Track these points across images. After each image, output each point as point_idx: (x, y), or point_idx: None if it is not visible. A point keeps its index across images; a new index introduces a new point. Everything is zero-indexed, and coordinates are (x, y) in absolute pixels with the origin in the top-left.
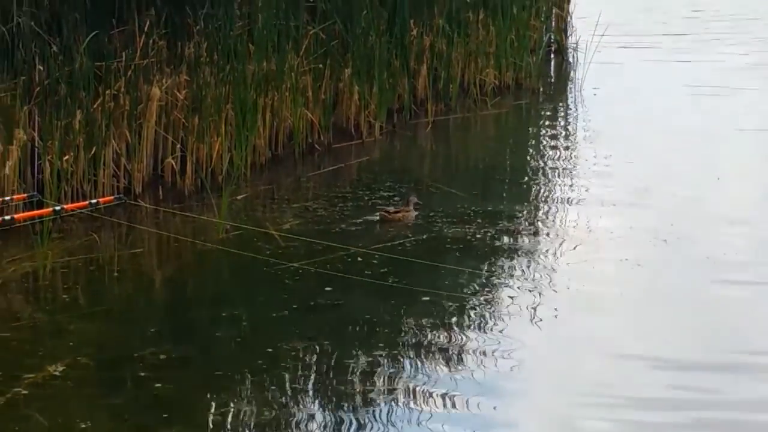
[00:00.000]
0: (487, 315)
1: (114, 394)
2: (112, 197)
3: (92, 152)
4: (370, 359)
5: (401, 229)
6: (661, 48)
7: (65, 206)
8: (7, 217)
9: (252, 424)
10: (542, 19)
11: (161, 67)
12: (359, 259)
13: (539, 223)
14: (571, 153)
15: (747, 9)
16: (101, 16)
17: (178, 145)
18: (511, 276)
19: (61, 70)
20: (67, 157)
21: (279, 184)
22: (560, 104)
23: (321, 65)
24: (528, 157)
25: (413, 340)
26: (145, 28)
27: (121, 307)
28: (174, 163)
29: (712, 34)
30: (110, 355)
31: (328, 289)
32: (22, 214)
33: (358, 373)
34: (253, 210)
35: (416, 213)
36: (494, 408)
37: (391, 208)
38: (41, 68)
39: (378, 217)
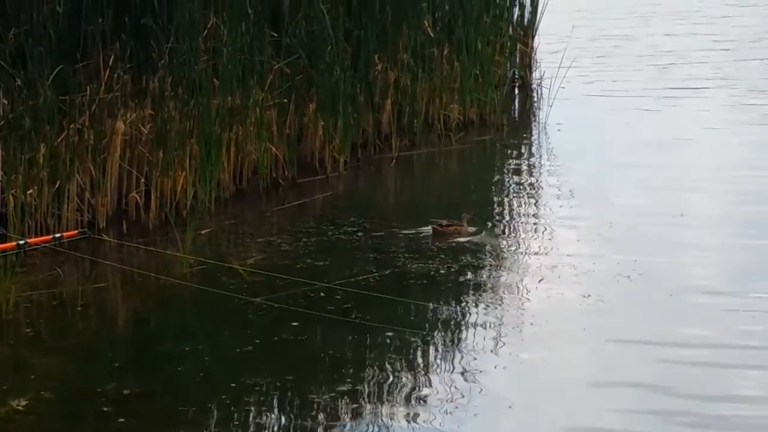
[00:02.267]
0: (451, 351)
1: (77, 429)
2: (76, 231)
3: (56, 186)
4: (333, 395)
5: (366, 264)
6: (629, 82)
7: (29, 240)
8: None
9: None
10: (507, 54)
11: (126, 101)
12: (323, 294)
13: (503, 258)
14: (535, 189)
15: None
16: (66, 50)
17: (143, 180)
18: (475, 312)
19: (25, 104)
20: (30, 191)
21: (243, 218)
22: (524, 139)
23: (286, 100)
24: (492, 193)
25: (376, 376)
26: (110, 62)
27: (85, 341)
28: (138, 198)
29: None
30: (73, 389)
31: (291, 324)
32: None
33: (321, 410)
34: (217, 245)
35: (473, 228)
36: None
37: (444, 221)
38: (5, 102)
39: (430, 230)
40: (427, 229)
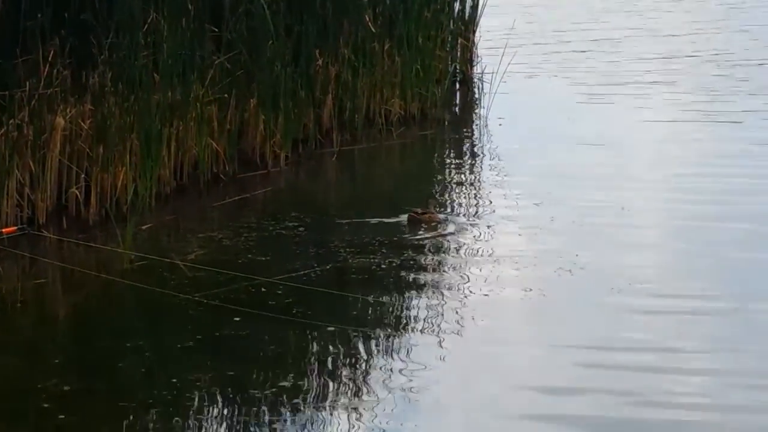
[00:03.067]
0: (392, 346)
1: (17, 426)
2: (14, 228)
3: None
4: (274, 390)
5: (307, 259)
6: (571, 78)
7: None
8: None
9: None
10: (447, 49)
11: (65, 96)
12: (264, 289)
13: (444, 253)
14: (476, 184)
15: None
16: (5, 45)
17: (83, 175)
18: (416, 307)
19: None
20: None
21: (184, 214)
22: (465, 134)
23: (226, 95)
24: (433, 187)
25: (318, 372)
26: (50, 58)
27: (24, 338)
28: (78, 193)
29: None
30: (13, 386)
31: (232, 319)
32: None
33: (262, 405)
34: (158, 240)
35: (443, 216)
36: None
37: (419, 209)
38: None
39: (406, 218)
40: (371, 221)
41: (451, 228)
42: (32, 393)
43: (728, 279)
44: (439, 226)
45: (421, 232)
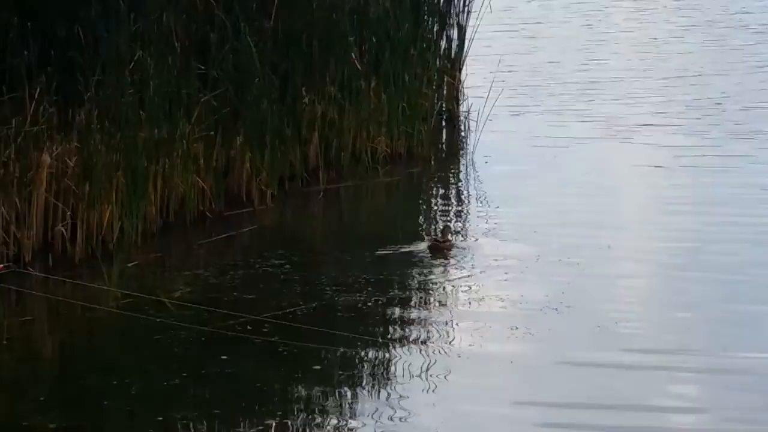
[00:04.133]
0: (379, 384)
1: None
2: (1, 266)
3: None
4: (261, 428)
5: (294, 297)
6: (558, 115)
7: None
8: None
9: None
10: (434, 87)
11: (51, 133)
12: (250, 327)
13: (431, 291)
14: (462, 222)
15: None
16: None
17: (69, 213)
18: (403, 344)
19: None
20: None
21: (170, 251)
22: (452, 172)
23: (213, 132)
24: (420, 226)
25: (304, 409)
26: (36, 95)
27: (10, 375)
28: (64, 231)
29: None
30: None
31: (219, 357)
32: None
33: None
34: (144, 278)
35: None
36: None
37: (439, 236)
38: None
39: (428, 246)
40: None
41: (442, 264)
42: (17, 430)
43: (708, 332)
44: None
45: (439, 260)
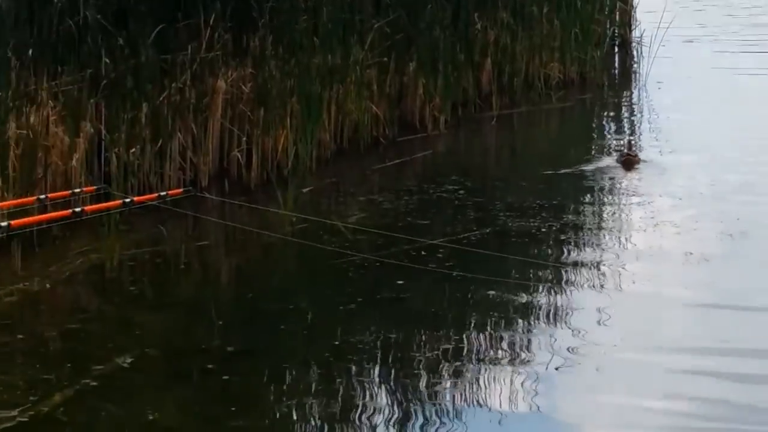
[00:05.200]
0: (552, 308)
1: (181, 386)
2: (180, 189)
3: (158, 145)
4: (436, 352)
5: (467, 222)
6: (730, 42)
7: (135, 198)
8: (78, 209)
9: (318, 415)
10: (606, 12)
11: (226, 60)
12: (424, 252)
13: (605, 216)
14: (635, 147)
15: None
16: (167, 10)
17: (244, 138)
18: (576, 269)
19: (127, 63)
20: (133, 149)
21: (344, 177)
22: (624, 98)
23: (386, 59)
24: (592, 152)
25: (479, 333)
26: (211, 22)
27: (188, 299)
28: (240, 156)
29: None
30: (177, 347)
31: (394, 282)
32: (92, 206)
33: (424, 366)
34: (318, 203)
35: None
36: (556, 404)
37: (627, 151)
38: (107, 61)
39: (622, 159)
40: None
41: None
42: (196, 353)
43: None
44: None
45: (614, 181)
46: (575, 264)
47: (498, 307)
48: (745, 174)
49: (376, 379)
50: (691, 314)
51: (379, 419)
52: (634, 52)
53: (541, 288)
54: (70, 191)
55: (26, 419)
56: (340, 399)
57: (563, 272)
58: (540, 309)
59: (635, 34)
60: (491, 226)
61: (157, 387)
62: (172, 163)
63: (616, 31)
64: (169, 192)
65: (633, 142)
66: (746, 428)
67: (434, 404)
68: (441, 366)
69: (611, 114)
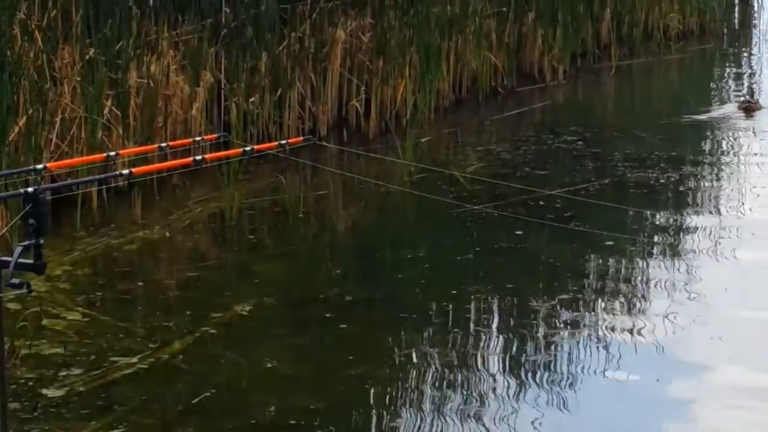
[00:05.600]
0: (671, 260)
1: (299, 334)
2: (300, 138)
3: (277, 94)
4: (553, 303)
5: (585, 173)
6: None
7: (254, 147)
8: (198, 158)
9: (435, 365)
10: None
11: (346, 10)
12: (542, 202)
13: (724, 167)
14: (756, 98)
15: None
16: None
17: (363, 88)
18: (694, 220)
19: (246, 13)
20: (252, 99)
21: (462, 127)
22: (744, 49)
23: (504, 9)
24: (712, 100)
25: (596, 284)
26: None
27: (307, 248)
28: (358, 106)
29: None
30: (296, 296)
31: (511, 231)
32: (212, 155)
33: (540, 317)
34: (436, 153)
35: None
36: (678, 351)
37: (747, 96)
38: (227, 11)
39: (743, 106)
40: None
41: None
42: (314, 302)
43: None
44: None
45: (732, 130)
46: (695, 215)
47: (615, 258)
48: None
49: (494, 329)
50: None
51: (496, 368)
52: (754, 3)
53: (658, 240)
54: (191, 140)
55: (146, 366)
56: (457, 348)
57: (682, 224)
58: (658, 261)
59: None
60: (609, 176)
61: (275, 335)
62: (291, 112)
63: None
64: (289, 140)
65: (754, 88)
66: None
67: (551, 354)
68: (558, 316)
69: (731, 64)
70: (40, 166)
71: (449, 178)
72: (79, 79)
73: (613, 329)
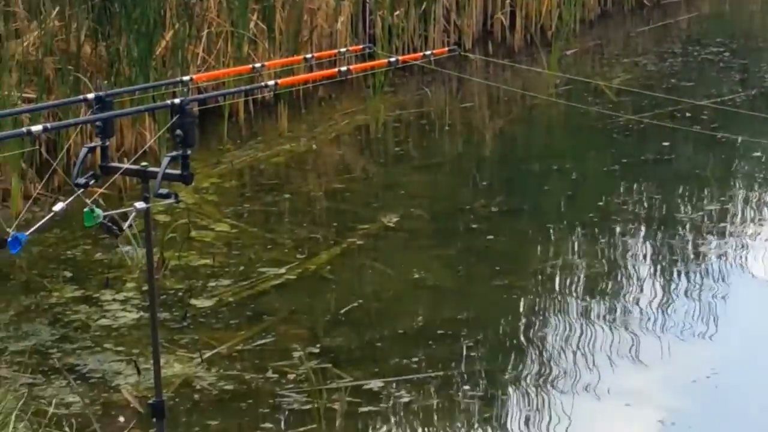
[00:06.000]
0: None
1: (446, 245)
2: (446, 49)
3: (422, 7)
4: (700, 213)
5: (732, 84)
6: None
7: (400, 58)
8: (343, 68)
9: (581, 276)
10: None
11: None
12: (689, 113)
13: None
14: None
15: None
16: None
17: (508, 1)
18: None
19: None
20: (397, 12)
21: (608, 39)
22: None
23: None
24: None
25: (743, 195)
26: None
27: (452, 160)
28: (503, 19)
29: None
30: (442, 207)
31: (657, 143)
32: (357, 66)
33: (689, 229)
34: (582, 65)
35: None
36: None
37: None
38: None
39: None
40: None
41: None
42: (460, 213)
43: None
44: None
45: None
46: None
47: (763, 169)
48: None
49: (640, 240)
50: None
51: (643, 278)
52: None
53: None
54: (336, 51)
55: (294, 277)
56: (603, 259)
57: None
58: None
59: None
60: (756, 87)
61: (421, 246)
62: (436, 25)
63: None
64: (435, 51)
65: None
66: None
67: (698, 264)
68: (705, 227)
69: None
70: (186, 78)
71: (595, 89)
72: None
73: (761, 238)
